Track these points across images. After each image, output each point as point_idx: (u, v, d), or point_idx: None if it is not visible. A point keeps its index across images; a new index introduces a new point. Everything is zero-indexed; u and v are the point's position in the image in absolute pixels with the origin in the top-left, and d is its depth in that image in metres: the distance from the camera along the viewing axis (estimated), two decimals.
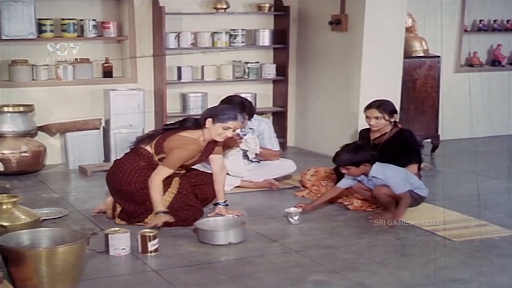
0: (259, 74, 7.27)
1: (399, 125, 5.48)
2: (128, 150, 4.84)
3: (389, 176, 4.82)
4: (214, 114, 4.67)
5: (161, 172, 4.54)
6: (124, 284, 3.79)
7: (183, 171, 4.78)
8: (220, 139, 4.73)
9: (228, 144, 5.59)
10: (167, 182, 4.63)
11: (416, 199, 4.95)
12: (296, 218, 4.76)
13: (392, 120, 5.39)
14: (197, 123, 4.72)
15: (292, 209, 4.81)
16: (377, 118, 5.36)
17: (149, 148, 4.68)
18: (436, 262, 4.07)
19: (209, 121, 4.64)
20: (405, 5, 6.68)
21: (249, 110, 5.64)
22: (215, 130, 4.66)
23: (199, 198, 4.86)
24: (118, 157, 4.98)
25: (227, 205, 4.94)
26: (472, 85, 8.02)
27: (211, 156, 4.88)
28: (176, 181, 4.71)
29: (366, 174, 4.86)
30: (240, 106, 5.58)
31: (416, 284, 3.77)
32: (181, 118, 4.94)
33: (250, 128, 5.76)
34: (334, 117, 6.96)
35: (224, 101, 5.70)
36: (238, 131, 5.58)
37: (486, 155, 7.16)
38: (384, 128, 5.39)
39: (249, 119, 5.69)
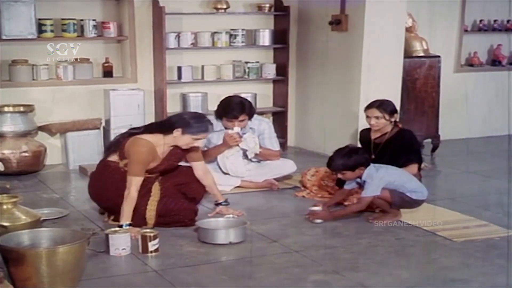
0: (259, 74, 7.27)
1: (400, 125, 5.48)
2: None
3: (373, 179, 4.77)
4: (185, 125, 4.58)
5: (132, 183, 4.42)
6: (125, 284, 3.79)
7: (152, 175, 4.65)
8: (186, 147, 4.67)
9: (228, 144, 5.59)
10: (147, 190, 4.56)
11: (408, 202, 4.90)
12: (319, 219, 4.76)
13: (393, 120, 5.40)
14: (161, 128, 4.64)
15: (315, 209, 4.80)
16: (377, 117, 5.36)
17: (116, 157, 4.64)
18: (436, 262, 4.07)
19: (178, 131, 4.57)
20: (405, 5, 6.67)
21: (248, 111, 5.65)
22: (184, 140, 4.60)
23: (188, 196, 4.80)
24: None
25: (227, 204, 4.94)
26: (472, 85, 8.03)
27: (193, 164, 4.86)
28: (156, 187, 4.64)
29: (360, 177, 4.85)
30: (240, 106, 5.59)
31: (416, 284, 3.77)
32: None
33: (251, 128, 5.76)
34: (334, 117, 6.96)
35: (223, 101, 5.71)
36: (237, 129, 5.60)
37: (486, 155, 7.16)
38: (385, 128, 5.39)
39: (249, 119, 5.69)
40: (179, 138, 4.59)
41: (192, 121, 4.62)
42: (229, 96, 5.88)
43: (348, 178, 4.87)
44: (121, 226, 4.32)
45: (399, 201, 4.84)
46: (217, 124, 5.72)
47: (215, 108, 5.78)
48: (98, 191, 4.71)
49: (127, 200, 4.40)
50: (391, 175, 4.84)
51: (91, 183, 4.83)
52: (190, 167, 4.89)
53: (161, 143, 4.61)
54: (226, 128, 5.68)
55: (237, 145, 5.63)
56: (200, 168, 4.89)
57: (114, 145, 4.73)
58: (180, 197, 4.72)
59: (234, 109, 5.59)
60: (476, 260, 4.09)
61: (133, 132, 4.70)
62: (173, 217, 4.60)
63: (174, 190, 4.72)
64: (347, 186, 4.97)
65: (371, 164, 4.84)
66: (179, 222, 4.61)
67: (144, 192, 4.54)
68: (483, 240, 4.43)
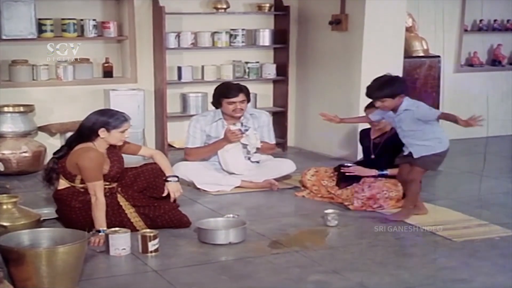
0: (259, 74, 7.28)
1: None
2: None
3: (421, 106, 4.74)
4: (106, 124, 4.49)
5: (96, 188, 4.32)
6: (125, 284, 3.79)
7: (112, 185, 4.55)
8: (120, 142, 4.61)
9: (229, 139, 5.60)
10: (115, 204, 4.47)
11: (433, 161, 4.88)
12: (335, 221, 4.72)
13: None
14: (83, 137, 4.52)
15: (331, 211, 4.77)
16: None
17: (65, 182, 4.52)
18: (436, 262, 4.08)
19: (102, 131, 4.47)
20: (405, 5, 6.67)
21: (246, 91, 5.74)
22: (113, 137, 4.51)
23: (158, 197, 4.69)
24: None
25: (177, 180, 4.80)
26: (472, 85, 8.02)
27: (139, 155, 4.91)
28: (122, 201, 4.53)
29: (394, 110, 4.77)
30: (237, 86, 5.74)
31: (417, 284, 3.77)
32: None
33: (251, 114, 5.83)
34: None
35: (220, 86, 5.82)
36: (238, 125, 5.61)
37: (486, 155, 7.16)
38: (384, 127, 5.40)
39: (248, 102, 5.76)
40: (108, 137, 4.50)
41: (107, 117, 4.53)
42: (224, 82, 5.99)
43: (387, 107, 4.77)
44: (98, 231, 4.26)
45: (427, 162, 4.83)
46: (216, 113, 5.75)
47: (212, 97, 5.84)
48: (75, 221, 4.44)
49: (97, 206, 4.31)
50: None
51: (62, 218, 4.61)
52: (143, 166, 4.81)
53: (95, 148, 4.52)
54: (225, 113, 5.70)
55: (239, 141, 5.65)
56: (146, 153, 4.91)
57: (49, 175, 4.58)
58: (153, 202, 4.63)
59: (233, 89, 5.69)
60: (476, 260, 4.09)
61: (60, 155, 4.56)
62: (161, 222, 4.55)
63: (140, 196, 4.64)
64: (372, 118, 5.01)
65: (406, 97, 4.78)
66: (170, 223, 4.58)
67: (116, 208, 4.46)
68: (483, 240, 4.43)
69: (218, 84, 5.98)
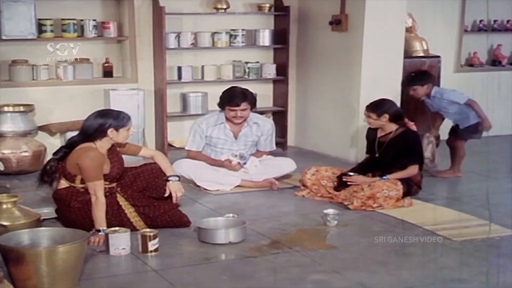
0: (259, 74, 7.28)
1: (409, 126, 5.46)
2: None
3: (448, 91, 6.14)
4: (113, 124, 4.52)
5: (97, 188, 4.33)
6: (124, 283, 3.79)
7: (112, 185, 4.56)
8: (126, 140, 4.67)
9: (228, 168, 5.70)
10: (114, 203, 4.48)
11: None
12: (334, 221, 4.71)
13: (384, 120, 5.39)
14: (86, 138, 4.52)
15: (330, 211, 4.77)
16: (369, 117, 5.43)
17: (65, 183, 4.53)
18: (436, 262, 4.07)
19: (111, 131, 4.50)
20: (405, 5, 6.68)
21: (250, 100, 5.75)
22: (121, 136, 4.55)
23: (158, 197, 4.71)
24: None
25: (178, 180, 4.83)
26: (472, 85, 8.02)
27: (139, 156, 4.95)
28: (121, 200, 4.53)
29: (429, 95, 6.12)
30: (242, 95, 5.71)
31: (416, 284, 3.77)
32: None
33: (254, 123, 5.85)
34: (334, 117, 6.96)
35: (226, 91, 5.81)
36: (236, 159, 5.65)
37: (486, 155, 7.15)
38: (387, 127, 5.42)
39: (251, 109, 5.78)
40: (117, 136, 4.54)
41: (113, 118, 4.56)
42: (232, 86, 5.95)
43: (419, 94, 6.13)
44: (98, 231, 4.27)
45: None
46: (220, 116, 5.79)
47: (218, 99, 5.85)
48: (74, 221, 4.44)
49: (97, 206, 4.32)
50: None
51: (62, 218, 4.62)
52: (143, 166, 4.85)
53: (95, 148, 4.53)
54: (227, 118, 5.74)
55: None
56: (146, 154, 4.95)
57: (51, 177, 4.59)
58: (152, 202, 4.64)
59: (236, 97, 5.69)
60: (476, 260, 4.09)
61: (61, 156, 4.56)
62: (161, 221, 4.56)
63: (140, 196, 4.66)
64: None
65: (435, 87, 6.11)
66: (170, 223, 4.59)
67: (115, 208, 4.47)
68: (483, 239, 4.43)
69: (223, 86, 6.02)
